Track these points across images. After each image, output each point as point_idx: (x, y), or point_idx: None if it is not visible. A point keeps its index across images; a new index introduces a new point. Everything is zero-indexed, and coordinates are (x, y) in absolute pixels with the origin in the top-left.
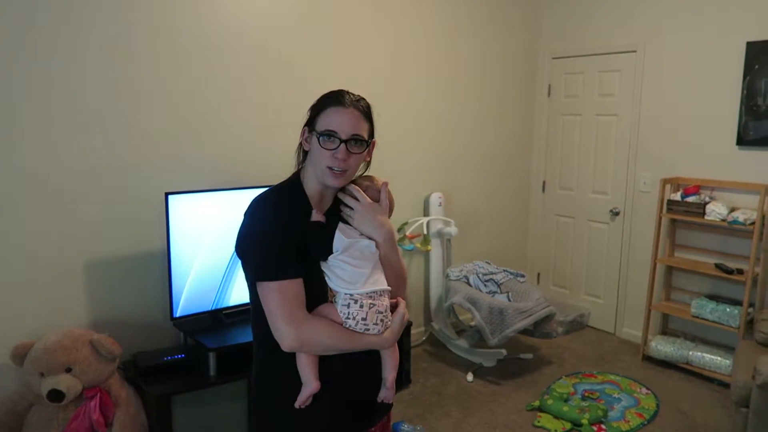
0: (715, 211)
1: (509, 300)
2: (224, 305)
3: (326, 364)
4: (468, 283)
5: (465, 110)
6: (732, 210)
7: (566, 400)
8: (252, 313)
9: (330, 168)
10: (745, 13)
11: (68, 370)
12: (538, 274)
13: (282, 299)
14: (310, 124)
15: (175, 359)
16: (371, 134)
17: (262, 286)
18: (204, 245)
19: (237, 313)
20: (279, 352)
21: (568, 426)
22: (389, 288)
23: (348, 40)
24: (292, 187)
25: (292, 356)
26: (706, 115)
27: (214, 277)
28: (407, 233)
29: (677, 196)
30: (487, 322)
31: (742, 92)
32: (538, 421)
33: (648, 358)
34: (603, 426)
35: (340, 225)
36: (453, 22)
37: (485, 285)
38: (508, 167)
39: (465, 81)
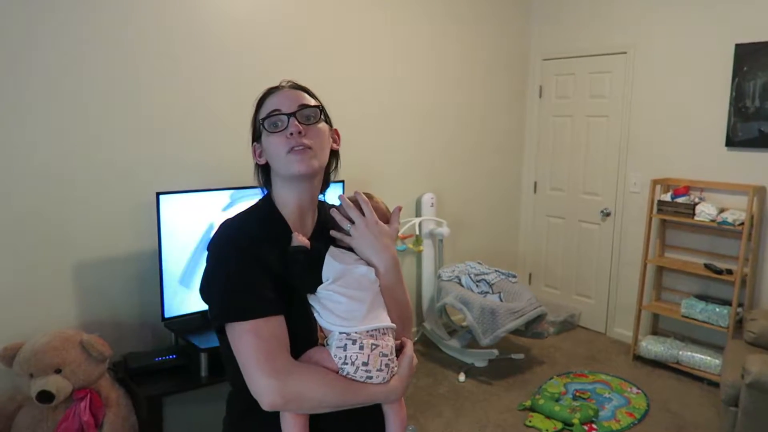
0: (705, 211)
1: (501, 300)
2: None
3: (315, 424)
4: (460, 284)
5: (457, 111)
6: (721, 210)
7: (557, 400)
8: (226, 368)
9: (290, 152)
10: (734, 15)
11: (58, 371)
12: (530, 275)
13: (258, 343)
14: (257, 137)
15: (166, 360)
16: (323, 111)
17: (233, 329)
18: (195, 245)
19: None
20: (255, 413)
21: (560, 426)
22: (393, 325)
23: (343, 43)
24: (264, 208)
25: (274, 416)
26: (695, 117)
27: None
28: (399, 234)
29: (667, 197)
30: (478, 322)
31: (731, 94)
32: (530, 421)
33: (638, 358)
34: (594, 425)
35: (332, 249)
36: (443, 23)
37: (477, 285)
38: (499, 168)
39: (456, 82)
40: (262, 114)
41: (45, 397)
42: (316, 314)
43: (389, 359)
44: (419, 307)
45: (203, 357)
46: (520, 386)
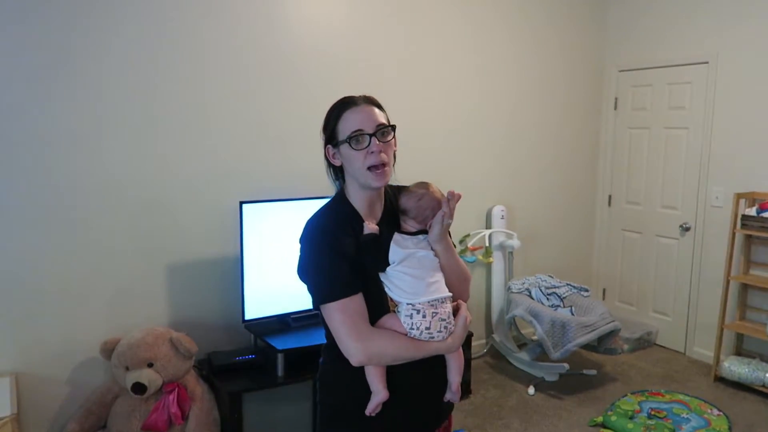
0: None
1: (572, 314)
2: (292, 310)
3: (392, 371)
4: (530, 296)
5: (529, 123)
6: None
7: (631, 418)
8: (324, 329)
9: (370, 168)
10: None
11: (150, 365)
12: (604, 290)
13: (345, 318)
14: (332, 140)
15: (247, 359)
16: (395, 128)
17: (325, 308)
18: (274, 251)
19: (303, 318)
20: (346, 362)
21: None
22: (450, 294)
23: (413, 55)
24: (340, 203)
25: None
26: None
27: (282, 283)
28: (469, 245)
29: (752, 211)
30: (548, 335)
31: None
32: None
33: (720, 379)
34: None
35: (396, 235)
36: (517, 35)
37: (548, 298)
38: (572, 180)
39: (529, 94)
40: (344, 130)
41: (139, 388)
42: (387, 289)
43: (447, 322)
44: (488, 318)
45: (280, 358)
46: (592, 402)
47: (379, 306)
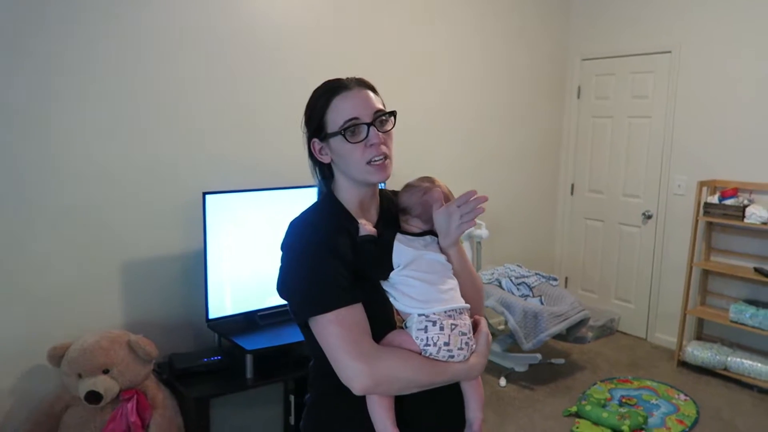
0: (756, 214)
1: (542, 304)
2: (259, 307)
3: (401, 407)
4: (500, 287)
5: (494, 113)
6: None
7: (604, 406)
8: (312, 358)
9: (370, 162)
10: None
11: (106, 372)
12: (566, 279)
13: (342, 332)
14: (318, 133)
15: (212, 361)
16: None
17: (317, 321)
18: (240, 246)
19: (272, 315)
20: (341, 396)
21: None
22: (468, 306)
23: (382, 47)
24: (329, 204)
25: (360, 399)
26: (744, 116)
27: (249, 278)
28: None
29: (714, 199)
30: (521, 326)
31: None
32: (577, 428)
33: (683, 364)
34: None
35: (399, 236)
36: (481, 23)
37: (518, 288)
38: (536, 169)
39: (493, 82)
40: (335, 120)
41: (93, 397)
42: (391, 299)
43: (468, 338)
44: None
45: (248, 359)
46: (563, 392)
47: (382, 321)
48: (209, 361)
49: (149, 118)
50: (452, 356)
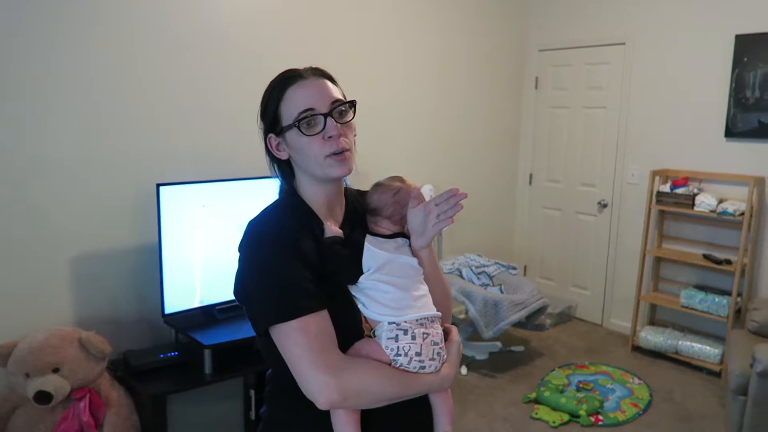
0: (705, 202)
1: (502, 293)
2: (217, 301)
3: (368, 422)
4: (461, 276)
5: (453, 102)
6: (721, 201)
7: (562, 392)
8: (272, 368)
9: (330, 155)
10: (734, 6)
11: (56, 371)
12: (525, 267)
13: (307, 341)
14: (274, 127)
15: (169, 357)
16: (354, 105)
17: (279, 330)
18: (196, 238)
19: (230, 309)
20: (303, 411)
21: (566, 417)
22: (440, 314)
23: (337, 35)
24: (291, 203)
25: (324, 414)
26: (695, 108)
27: (206, 272)
28: None
29: (666, 188)
30: (481, 315)
31: (731, 84)
32: (536, 413)
33: (637, 349)
34: (600, 417)
35: (369, 237)
36: (439, 14)
37: (478, 278)
38: (495, 160)
39: (452, 73)
40: (290, 112)
41: (43, 397)
42: (360, 305)
43: (440, 347)
44: None
45: (207, 354)
46: (523, 379)
47: (350, 329)
48: (166, 357)
49: (100, 109)
50: (423, 367)
